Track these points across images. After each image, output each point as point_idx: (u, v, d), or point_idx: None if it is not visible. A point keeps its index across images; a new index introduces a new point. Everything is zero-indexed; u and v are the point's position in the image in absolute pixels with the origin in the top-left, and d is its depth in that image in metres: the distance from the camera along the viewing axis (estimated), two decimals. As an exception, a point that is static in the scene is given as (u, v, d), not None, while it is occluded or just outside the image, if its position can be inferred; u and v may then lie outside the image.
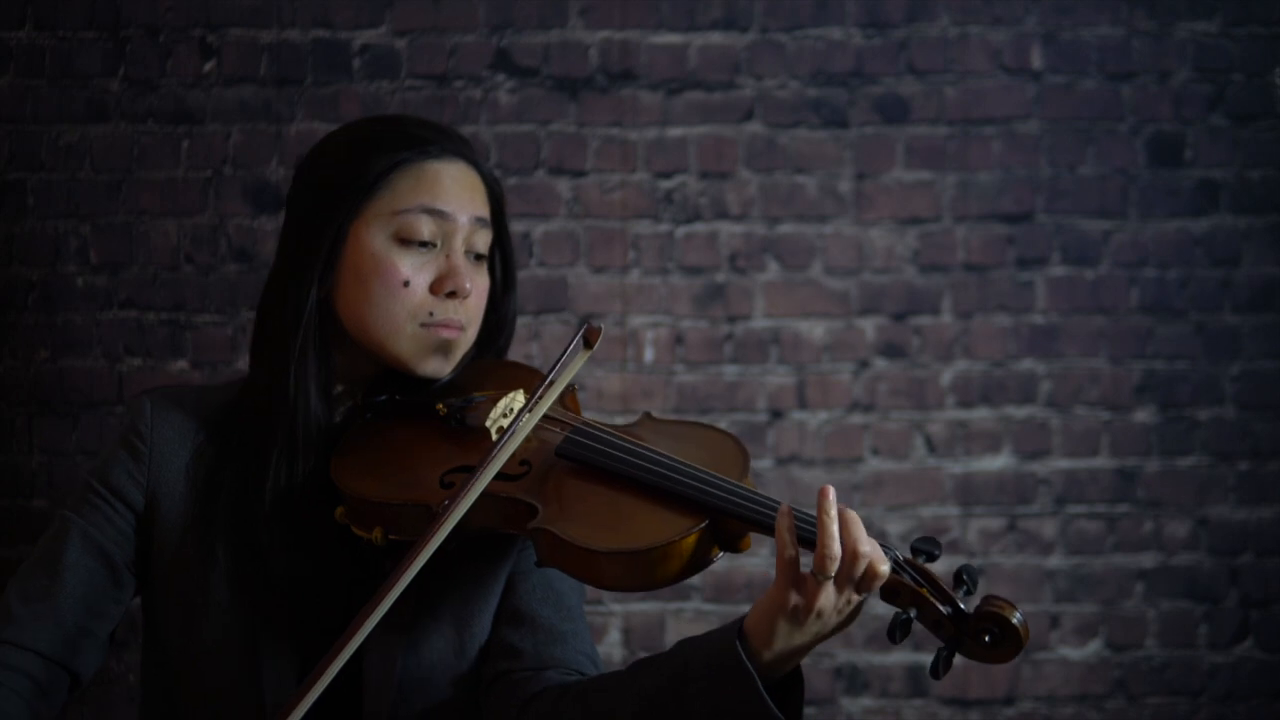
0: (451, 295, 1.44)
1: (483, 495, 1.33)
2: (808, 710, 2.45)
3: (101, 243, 2.41)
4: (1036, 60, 2.51)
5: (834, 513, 1.22)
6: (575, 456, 1.38)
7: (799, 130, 2.49)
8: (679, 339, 2.48)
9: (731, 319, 2.49)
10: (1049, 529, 2.50)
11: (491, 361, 1.56)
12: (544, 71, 2.47)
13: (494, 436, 1.39)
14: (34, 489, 2.39)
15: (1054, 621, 2.49)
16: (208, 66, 2.43)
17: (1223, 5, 2.52)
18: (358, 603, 1.34)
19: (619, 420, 1.53)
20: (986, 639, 1.24)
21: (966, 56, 2.51)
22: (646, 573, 1.29)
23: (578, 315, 2.46)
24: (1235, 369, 2.52)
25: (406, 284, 1.43)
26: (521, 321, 2.43)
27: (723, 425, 2.35)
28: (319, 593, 1.42)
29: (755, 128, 2.49)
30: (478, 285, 1.47)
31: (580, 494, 1.35)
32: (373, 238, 1.44)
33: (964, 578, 1.26)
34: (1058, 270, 2.51)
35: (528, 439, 1.41)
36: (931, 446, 2.50)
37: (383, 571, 1.42)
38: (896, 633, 1.25)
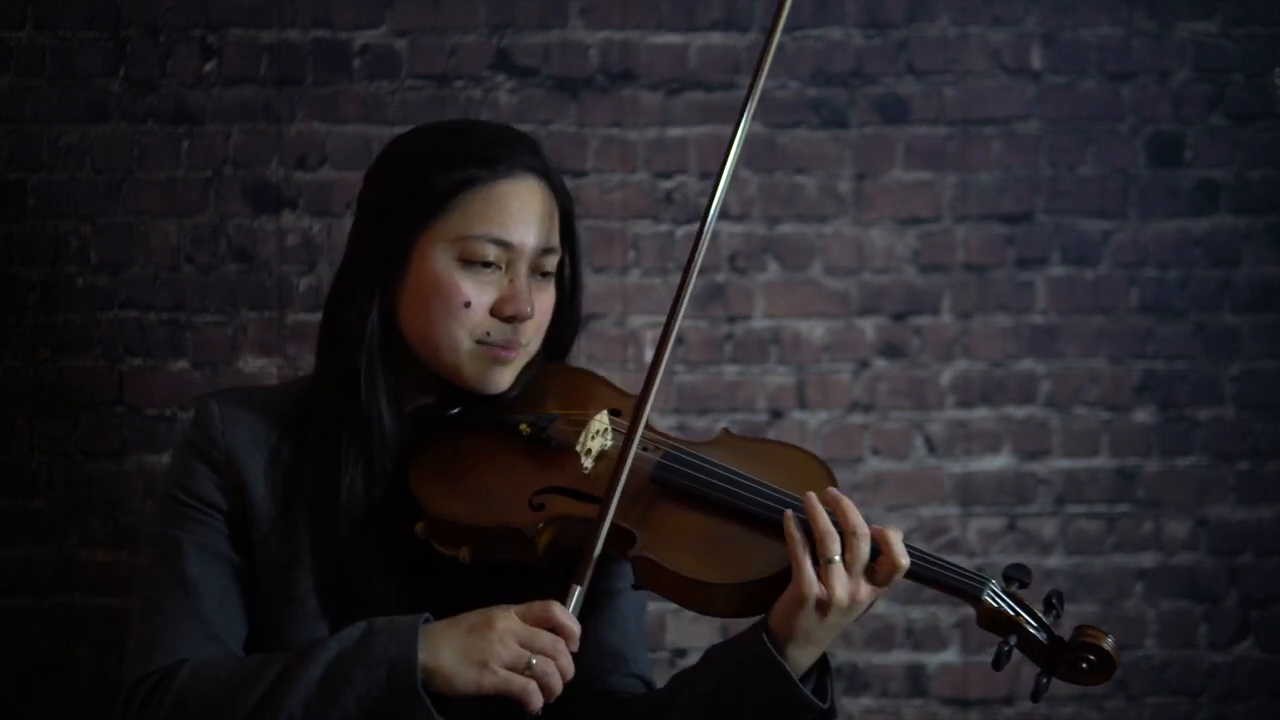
0: (511, 319, 1.44)
1: (581, 519, 1.32)
2: (808, 710, 2.45)
3: (102, 243, 2.41)
4: (1036, 60, 2.51)
5: (819, 495, 1.32)
6: (671, 482, 1.38)
7: (799, 130, 2.50)
8: (679, 339, 2.48)
9: (731, 319, 2.49)
10: (1049, 529, 2.50)
11: (558, 368, 1.55)
12: (544, 71, 2.47)
13: (583, 459, 1.39)
14: (34, 489, 2.39)
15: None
16: (208, 67, 2.43)
17: (1223, 5, 2.52)
18: (433, 613, 1.35)
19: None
20: (1084, 666, 1.33)
21: (966, 56, 2.51)
22: (746, 601, 1.32)
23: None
24: (1235, 369, 2.52)
25: (468, 305, 1.43)
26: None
27: (722, 424, 2.35)
28: (400, 603, 1.42)
29: (755, 128, 2.49)
30: (540, 305, 1.47)
31: (677, 520, 1.35)
32: (437, 258, 1.43)
33: (1053, 602, 1.35)
34: (1058, 270, 2.51)
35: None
36: (931, 446, 2.50)
37: (466, 584, 1.41)
38: (1001, 661, 1.33)
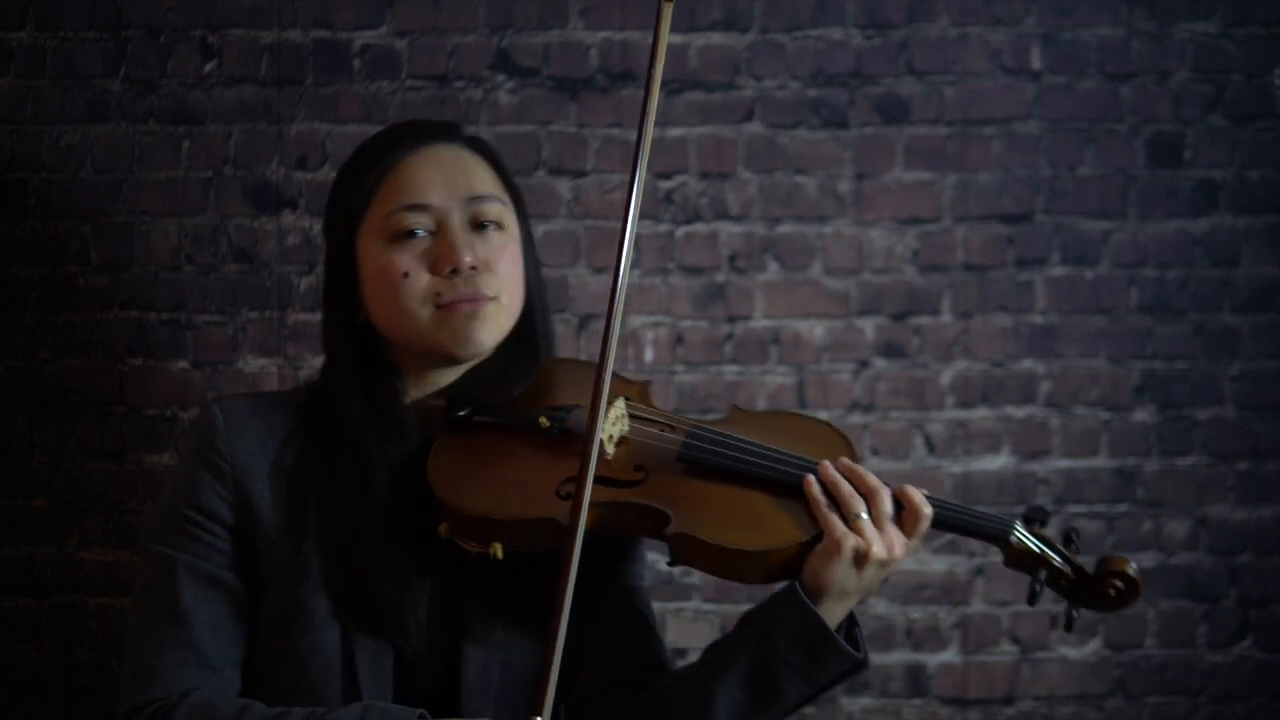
0: (454, 272, 1.44)
1: (607, 504, 1.35)
2: (808, 709, 2.45)
3: (102, 243, 2.41)
4: (1036, 60, 2.52)
5: (833, 463, 1.39)
6: (697, 460, 1.41)
7: (799, 130, 2.50)
8: (679, 339, 2.48)
9: (731, 319, 2.49)
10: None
11: (560, 363, 1.56)
12: (544, 72, 2.47)
13: (606, 446, 1.41)
14: (34, 489, 2.39)
15: (1053, 621, 2.49)
16: (208, 67, 2.43)
17: (1222, 5, 2.52)
18: (456, 614, 1.35)
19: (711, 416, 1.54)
20: (1112, 593, 1.41)
21: (966, 57, 2.51)
22: (782, 566, 1.37)
23: (578, 315, 2.47)
24: (1235, 369, 2.52)
25: (407, 275, 1.44)
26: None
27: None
28: (416, 604, 1.42)
29: (755, 128, 2.49)
30: (486, 253, 1.46)
31: (708, 495, 1.39)
32: (373, 247, 1.46)
33: (1072, 538, 1.45)
34: (1057, 270, 2.52)
35: (641, 444, 1.42)
36: (931, 446, 2.50)
37: (494, 583, 1.42)
38: (1034, 596, 1.41)
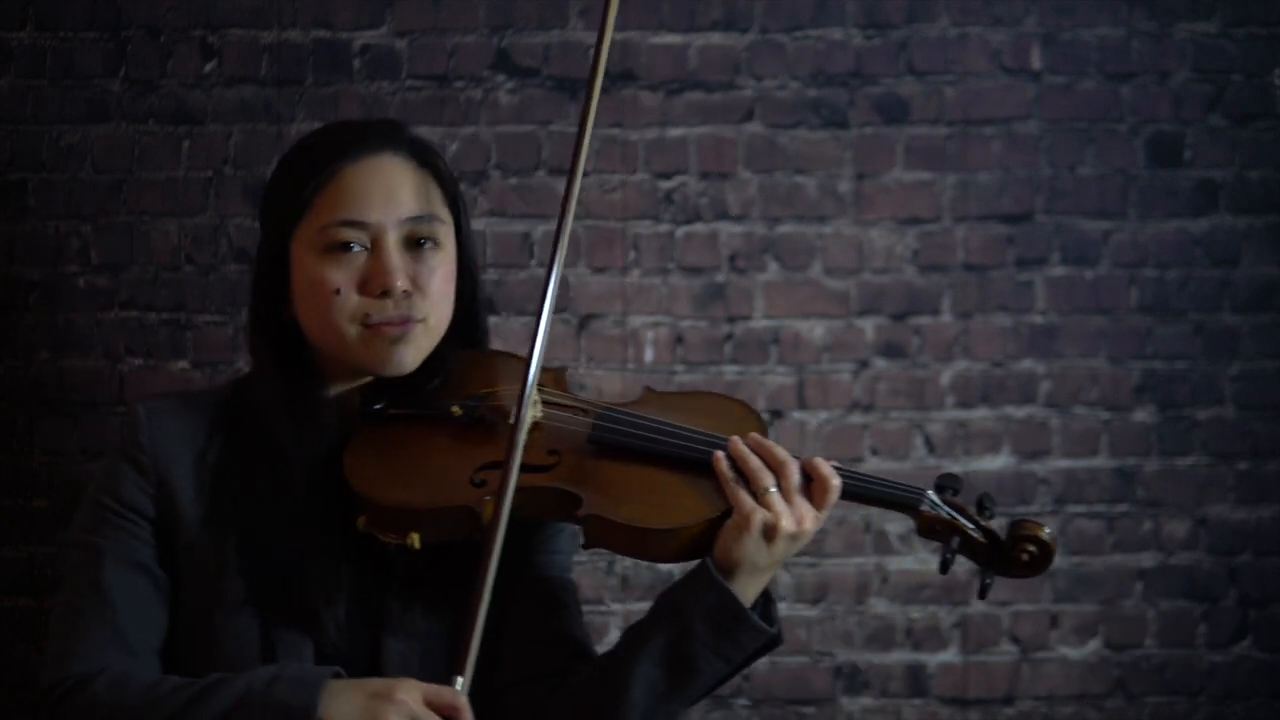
0: (383, 295, 1.44)
1: (522, 489, 1.35)
2: (807, 709, 2.46)
3: (102, 243, 2.41)
4: (1036, 61, 2.52)
5: (743, 439, 1.39)
6: (608, 441, 1.43)
7: (799, 130, 2.50)
8: (679, 339, 2.48)
9: (731, 319, 2.49)
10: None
11: (476, 354, 1.57)
12: (544, 72, 2.47)
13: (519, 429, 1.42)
14: (34, 489, 2.40)
15: (1053, 621, 2.49)
16: (208, 67, 2.44)
17: (1222, 5, 2.52)
18: (377, 606, 1.36)
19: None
20: (1025, 558, 1.41)
21: (966, 57, 2.51)
22: (695, 544, 1.37)
23: (578, 315, 2.47)
24: (1235, 369, 2.52)
25: (337, 292, 1.44)
26: (521, 321, 2.44)
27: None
28: (335, 598, 1.43)
29: (755, 128, 2.49)
30: (425, 277, 1.46)
31: (619, 476, 1.40)
32: (307, 256, 1.46)
33: (985, 505, 1.43)
34: (1057, 270, 2.52)
35: (553, 428, 1.43)
36: (931, 446, 2.50)
37: (414, 574, 1.44)
38: (946, 564, 1.40)
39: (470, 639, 1.30)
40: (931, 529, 1.42)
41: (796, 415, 2.48)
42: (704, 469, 1.39)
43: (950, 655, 2.49)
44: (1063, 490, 2.51)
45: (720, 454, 1.38)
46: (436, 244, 1.47)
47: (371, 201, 1.44)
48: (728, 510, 1.36)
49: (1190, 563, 2.51)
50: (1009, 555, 1.41)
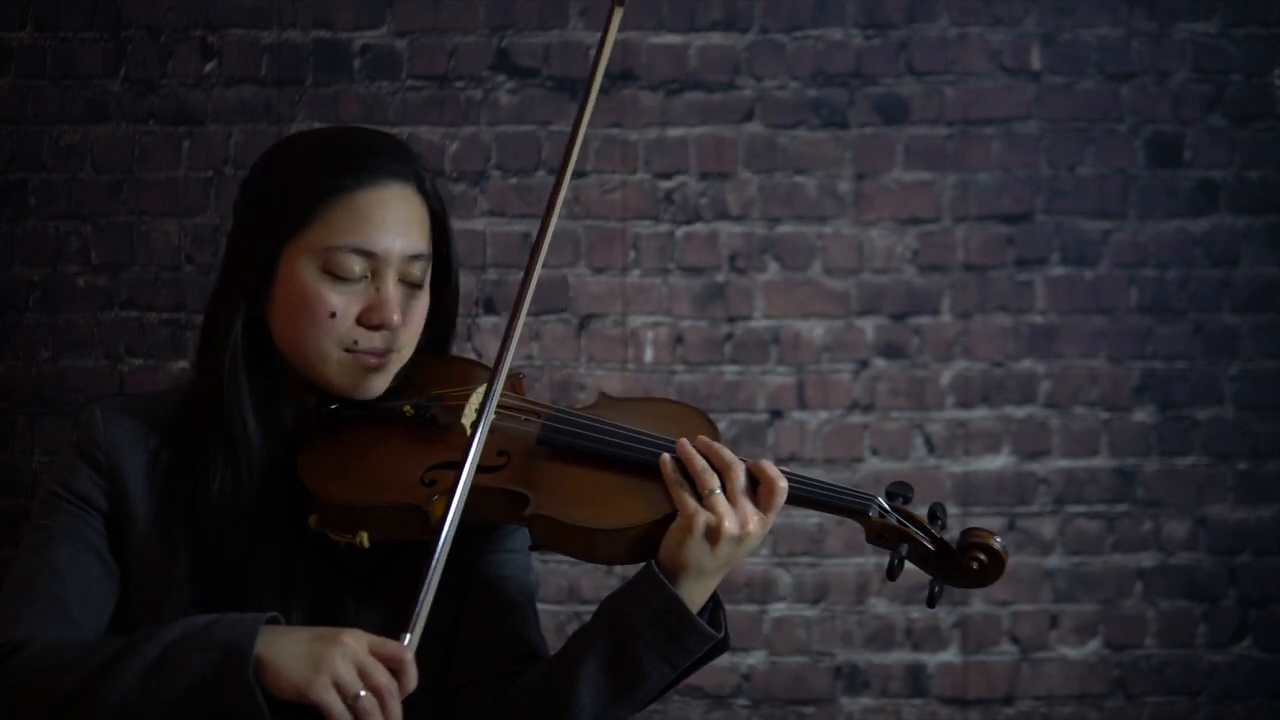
0: (379, 327, 1.45)
1: (471, 489, 1.36)
2: (807, 709, 2.46)
3: (103, 243, 2.41)
4: (1036, 61, 2.52)
5: (691, 441, 1.38)
6: (557, 442, 1.43)
7: (799, 130, 2.50)
8: (679, 339, 2.48)
9: (731, 319, 2.49)
10: (1048, 529, 2.50)
11: (436, 358, 1.57)
12: (544, 72, 2.47)
13: (469, 431, 1.42)
14: (34, 489, 2.40)
15: (1053, 621, 2.49)
16: (209, 67, 2.44)
17: (1222, 6, 2.52)
18: (330, 606, 1.36)
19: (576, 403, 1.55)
20: (975, 566, 1.38)
21: (966, 57, 2.51)
22: (640, 545, 1.37)
23: (578, 315, 2.47)
24: (1234, 369, 2.52)
25: (334, 315, 1.44)
26: (521, 321, 2.43)
27: (722, 425, 2.36)
28: (287, 597, 1.44)
29: (755, 128, 2.49)
30: (411, 312, 1.48)
31: (566, 477, 1.41)
32: (303, 269, 1.44)
33: (937, 515, 1.41)
34: (1057, 270, 2.52)
35: (504, 430, 1.44)
36: (931, 446, 2.50)
37: (365, 575, 1.44)
38: (894, 571, 1.38)
39: (420, 594, 1.30)
40: (880, 536, 1.41)
41: (796, 415, 2.48)
42: (652, 471, 1.39)
43: (950, 655, 2.49)
44: (1063, 490, 2.51)
45: (666, 455, 1.38)
46: (424, 282, 1.49)
47: (384, 233, 1.45)
48: (672, 512, 1.36)
49: (1190, 563, 2.51)
50: (959, 563, 1.39)
